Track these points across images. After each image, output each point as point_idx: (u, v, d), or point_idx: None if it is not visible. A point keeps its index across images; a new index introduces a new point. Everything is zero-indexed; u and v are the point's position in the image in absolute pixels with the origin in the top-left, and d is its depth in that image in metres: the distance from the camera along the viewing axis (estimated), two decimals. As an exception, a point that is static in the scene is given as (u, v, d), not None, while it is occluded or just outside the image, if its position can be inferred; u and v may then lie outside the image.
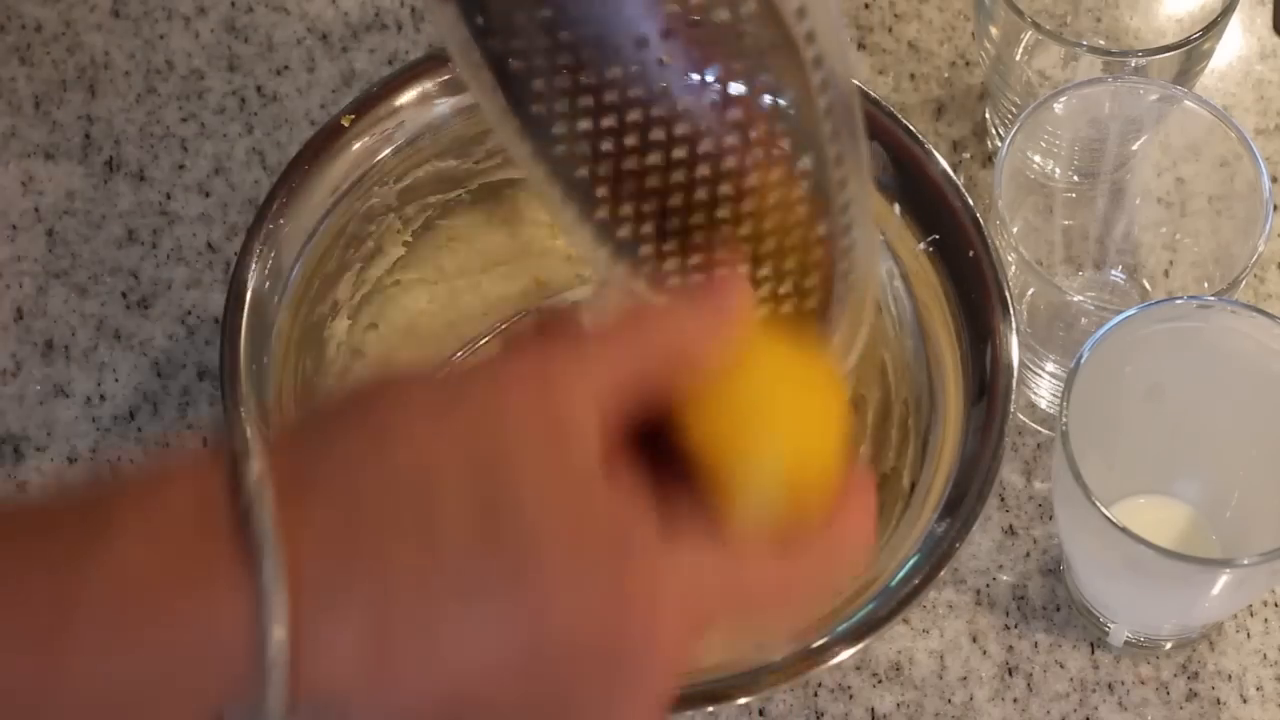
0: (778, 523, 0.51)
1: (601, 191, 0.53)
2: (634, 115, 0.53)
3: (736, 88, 0.54)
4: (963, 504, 0.68)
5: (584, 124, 0.53)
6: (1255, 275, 0.84)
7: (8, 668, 0.42)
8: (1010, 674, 0.76)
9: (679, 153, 0.53)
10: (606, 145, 0.53)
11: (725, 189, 0.53)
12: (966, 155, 0.86)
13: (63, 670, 0.42)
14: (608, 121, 0.53)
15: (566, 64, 0.53)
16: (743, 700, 0.67)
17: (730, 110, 0.53)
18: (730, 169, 0.53)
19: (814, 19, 0.52)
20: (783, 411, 0.51)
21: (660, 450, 0.50)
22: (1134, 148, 0.80)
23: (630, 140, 0.53)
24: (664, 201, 0.54)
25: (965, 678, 0.76)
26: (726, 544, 0.48)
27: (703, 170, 0.53)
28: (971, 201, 0.73)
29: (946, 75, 0.88)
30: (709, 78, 0.53)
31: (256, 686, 0.43)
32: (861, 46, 0.88)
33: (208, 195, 0.85)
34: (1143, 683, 0.76)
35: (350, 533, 0.44)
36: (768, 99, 0.53)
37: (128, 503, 0.44)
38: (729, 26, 0.52)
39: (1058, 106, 0.76)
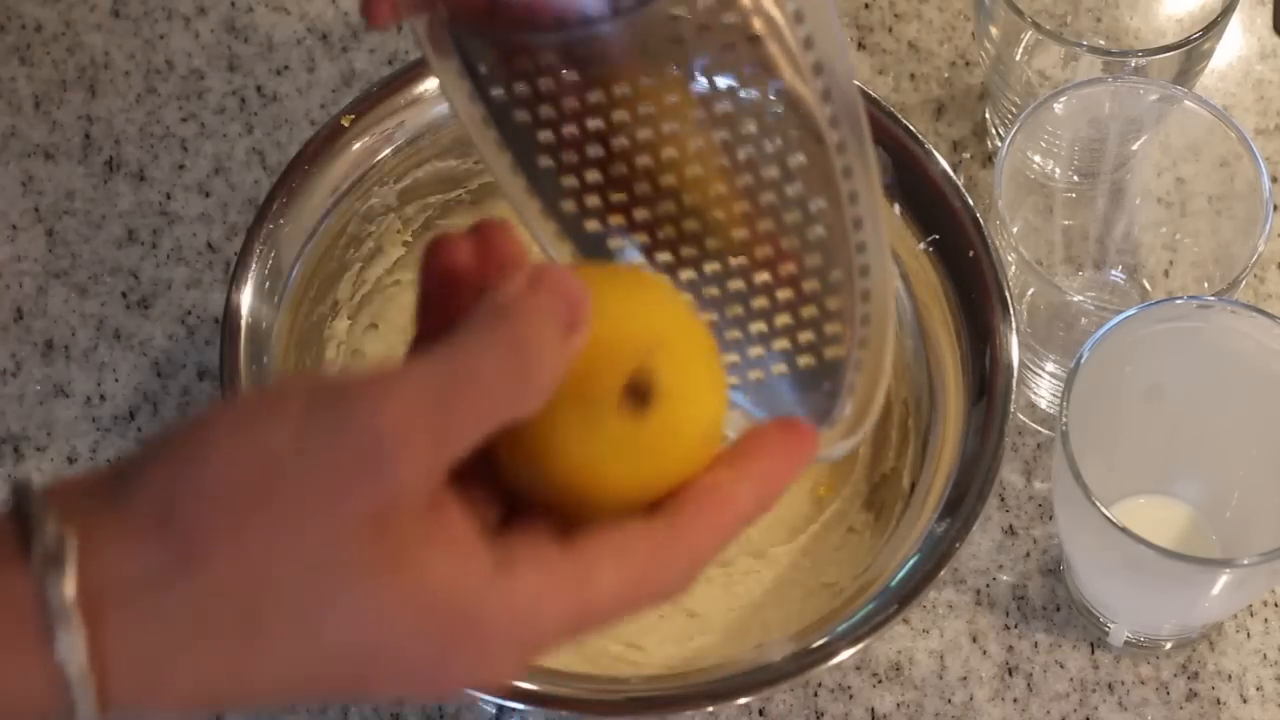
0: (628, 500, 0.48)
1: (612, 228, 0.53)
2: (644, 160, 0.53)
3: (747, 129, 0.54)
4: (963, 504, 0.69)
5: (576, 155, 0.53)
6: (1255, 275, 0.84)
7: None
8: (1010, 674, 0.76)
9: (694, 198, 0.53)
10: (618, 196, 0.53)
11: (740, 235, 0.53)
12: (966, 155, 0.86)
13: None
14: (593, 150, 0.53)
15: (547, 75, 0.53)
16: (743, 700, 0.68)
17: (740, 169, 0.53)
18: (744, 214, 0.53)
19: (812, 25, 0.52)
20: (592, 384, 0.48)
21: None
22: (1134, 148, 0.80)
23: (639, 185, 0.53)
24: (681, 247, 0.54)
25: (965, 678, 0.76)
26: (570, 557, 0.47)
27: (716, 215, 0.53)
28: (971, 201, 0.73)
29: (946, 75, 0.88)
30: (707, 92, 0.53)
31: None
32: (861, 46, 0.88)
33: (208, 195, 0.85)
34: (1143, 683, 0.76)
35: (160, 632, 0.44)
36: (777, 143, 0.53)
37: None
38: (725, 38, 0.52)
39: (1058, 106, 0.76)
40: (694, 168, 0.55)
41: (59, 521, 0.43)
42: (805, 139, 0.54)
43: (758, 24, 0.53)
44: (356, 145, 0.75)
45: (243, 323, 0.71)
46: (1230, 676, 0.76)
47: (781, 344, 0.55)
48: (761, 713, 0.76)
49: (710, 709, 0.68)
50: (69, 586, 0.43)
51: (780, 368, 0.56)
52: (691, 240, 0.56)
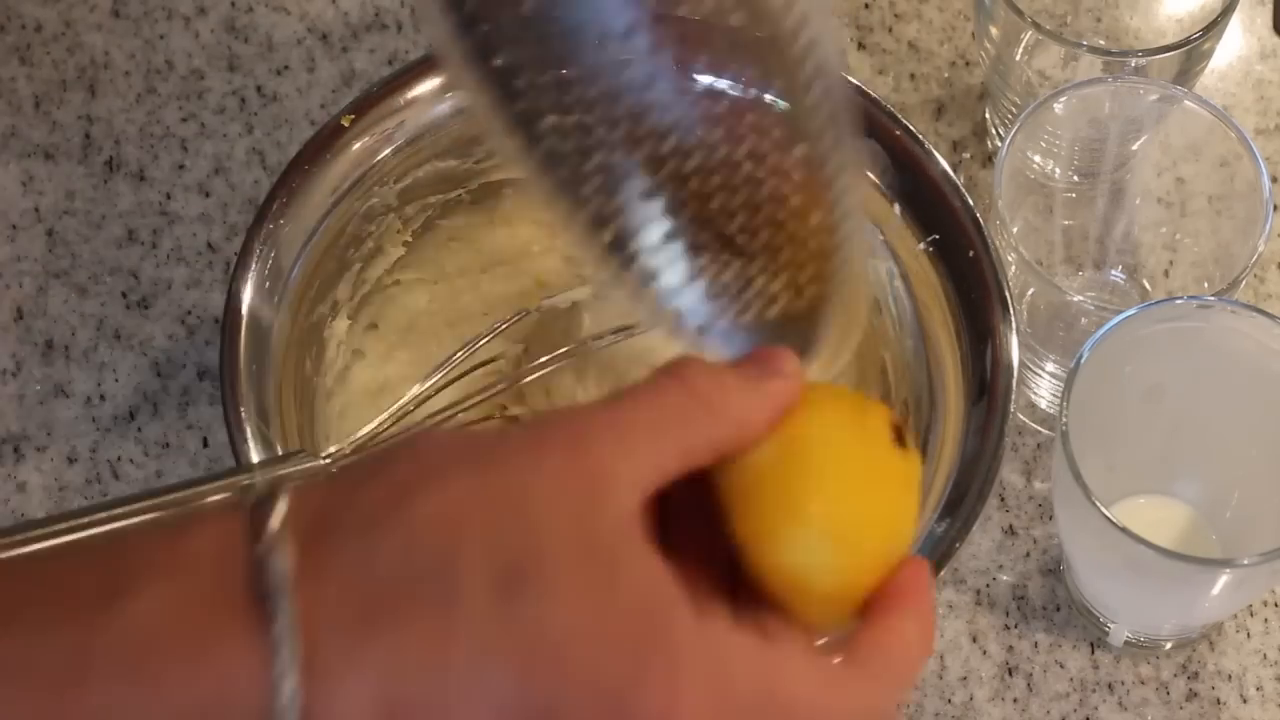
0: (824, 621, 0.48)
1: (591, 186, 0.53)
2: (621, 108, 0.53)
3: (724, 80, 0.53)
4: (963, 504, 0.68)
5: (572, 118, 0.53)
6: (1255, 275, 0.84)
7: (21, 717, 0.42)
8: (1010, 674, 0.76)
9: (669, 145, 0.53)
10: (595, 138, 0.53)
11: (716, 182, 0.53)
12: (966, 155, 0.86)
13: None
14: (596, 114, 0.52)
15: (552, 55, 0.52)
16: (743, 700, 0.67)
17: (720, 103, 0.53)
18: (722, 161, 0.53)
19: (802, 10, 0.51)
20: (835, 494, 0.48)
21: (694, 530, 0.49)
22: (1134, 148, 0.80)
23: (618, 134, 0.53)
24: (656, 195, 0.53)
25: (965, 678, 0.76)
26: (765, 634, 0.46)
27: (691, 163, 0.53)
28: (971, 201, 0.73)
29: (946, 75, 0.88)
30: (697, 71, 0.53)
31: None
32: (861, 46, 0.88)
33: (208, 195, 0.85)
34: (1143, 683, 0.76)
35: (367, 591, 0.43)
36: (753, 91, 0.53)
37: (147, 555, 0.44)
38: (713, 19, 0.52)
39: (1058, 106, 0.76)
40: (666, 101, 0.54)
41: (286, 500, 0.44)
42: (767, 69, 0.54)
43: None
44: (356, 145, 0.75)
45: (243, 323, 0.71)
46: (1230, 676, 0.76)
47: (762, 284, 0.55)
48: None
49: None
50: (279, 519, 0.43)
51: (761, 308, 0.56)
52: (673, 183, 0.55)
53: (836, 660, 0.47)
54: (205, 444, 0.80)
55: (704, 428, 0.47)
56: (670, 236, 0.54)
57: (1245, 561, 0.67)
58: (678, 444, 0.46)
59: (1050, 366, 0.78)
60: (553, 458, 0.45)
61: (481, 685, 0.43)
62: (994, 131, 0.86)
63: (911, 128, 0.74)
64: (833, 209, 0.54)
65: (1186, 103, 0.76)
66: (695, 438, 0.47)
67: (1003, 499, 0.79)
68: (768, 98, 0.53)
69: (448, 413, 0.73)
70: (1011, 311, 0.72)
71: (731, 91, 0.53)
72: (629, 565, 0.44)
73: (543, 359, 0.75)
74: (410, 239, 0.77)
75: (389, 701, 0.43)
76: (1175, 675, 0.76)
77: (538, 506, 0.44)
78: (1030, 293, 0.77)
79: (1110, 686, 0.76)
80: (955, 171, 0.74)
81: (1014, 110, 0.82)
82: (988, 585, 0.78)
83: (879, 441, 0.49)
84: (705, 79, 0.53)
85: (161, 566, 0.43)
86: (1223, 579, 0.68)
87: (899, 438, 0.49)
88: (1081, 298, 0.74)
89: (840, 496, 0.47)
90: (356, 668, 0.43)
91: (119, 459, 0.80)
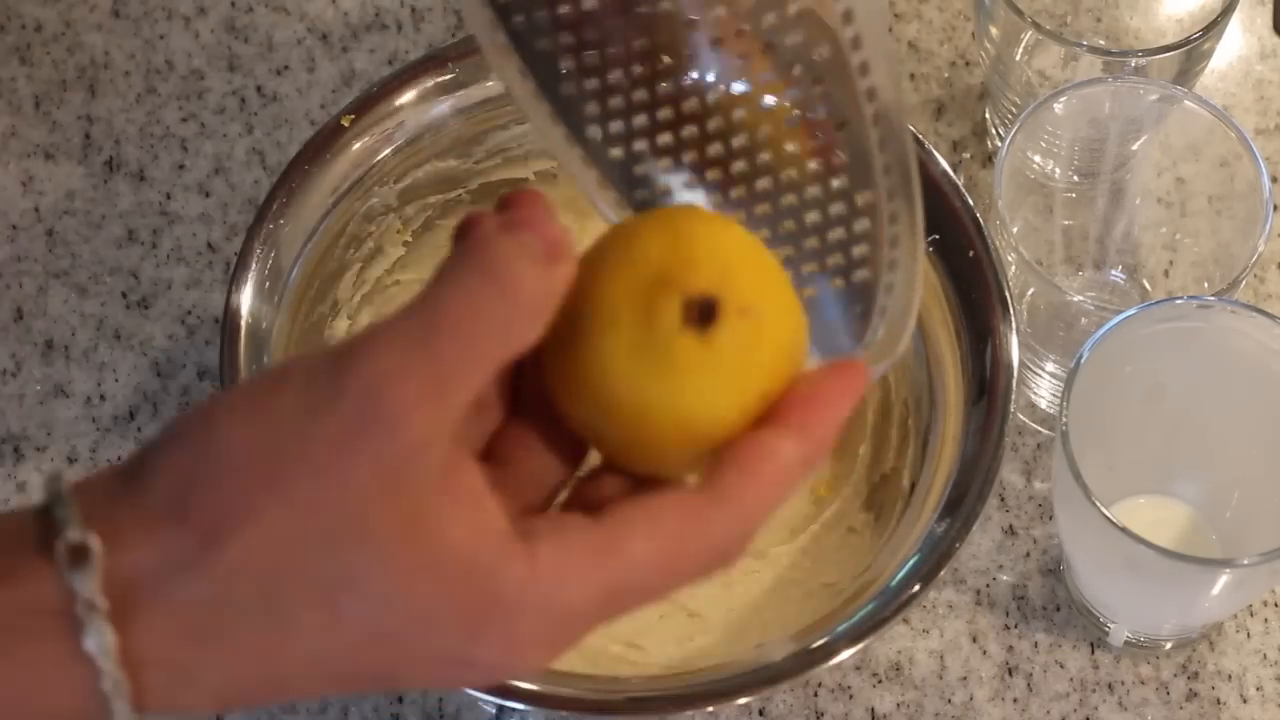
0: (676, 464, 0.46)
1: (637, 174, 0.52)
2: (661, 98, 0.52)
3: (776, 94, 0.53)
4: (963, 504, 0.68)
5: (616, 104, 0.52)
6: (1255, 275, 0.84)
7: None
8: (1010, 674, 0.76)
9: (715, 148, 0.52)
10: (636, 126, 0.52)
11: (765, 158, 0.52)
12: (966, 155, 0.86)
13: None
14: (637, 109, 0.52)
15: (592, 42, 0.52)
16: (743, 700, 0.67)
17: (771, 115, 0.52)
18: (769, 137, 0.53)
19: (864, 37, 0.51)
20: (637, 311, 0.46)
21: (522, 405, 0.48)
22: (1134, 148, 0.80)
23: (659, 120, 0.52)
24: (700, 188, 0.53)
25: (965, 678, 0.76)
26: (596, 526, 0.45)
27: (741, 165, 0.53)
28: (971, 201, 0.73)
29: (946, 75, 0.88)
30: (747, 79, 0.53)
31: None
32: (861, 46, 0.88)
33: (208, 195, 0.85)
34: (1143, 683, 0.76)
35: (194, 623, 0.43)
36: (807, 75, 0.53)
37: None
38: (769, 36, 0.52)
39: (1058, 106, 0.76)
40: (720, 90, 0.54)
41: (81, 519, 0.43)
42: (828, 66, 0.53)
43: None
44: (356, 145, 0.75)
45: (243, 323, 0.71)
46: (1230, 676, 0.76)
47: (810, 267, 0.54)
48: (761, 713, 0.76)
49: (710, 709, 0.68)
50: (94, 584, 0.43)
51: (810, 291, 0.55)
52: (719, 165, 0.54)
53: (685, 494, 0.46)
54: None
55: (504, 326, 0.45)
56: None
57: (1245, 561, 0.67)
58: (480, 362, 0.45)
59: (1050, 366, 0.78)
60: (341, 425, 0.43)
61: (323, 690, 0.44)
62: (994, 131, 0.86)
63: (911, 128, 0.74)
64: (880, 188, 0.53)
65: (1186, 103, 0.76)
66: (497, 346, 0.45)
67: (1003, 499, 0.79)
68: (816, 74, 0.52)
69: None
70: (1011, 311, 0.72)
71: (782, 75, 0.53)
72: (447, 529, 0.44)
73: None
74: (410, 239, 0.77)
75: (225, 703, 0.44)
76: (1175, 675, 0.76)
77: (342, 497, 0.43)
78: (1030, 293, 0.77)
79: (1110, 686, 0.76)
80: (955, 171, 0.74)
81: (1014, 110, 0.82)
82: (988, 585, 0.78)
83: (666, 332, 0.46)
84: (761, 94, 0.53)
85: None
86: (1223, 579, 0.68)
87: (699, 317, 0.46)
88: (1081, 298, 0.74)
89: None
90: (193, 683, 0.44)
91: (119, 459, 0.80)
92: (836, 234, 0.54)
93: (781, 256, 0.53)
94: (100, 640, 0.43)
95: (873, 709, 0.75)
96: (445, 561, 0.44)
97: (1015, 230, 0.76)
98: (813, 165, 0.53)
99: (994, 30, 0.80)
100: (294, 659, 0.44)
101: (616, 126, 0.53)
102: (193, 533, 0.43)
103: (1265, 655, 0.77)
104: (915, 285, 0.54)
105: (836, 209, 0.54)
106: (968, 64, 0.88)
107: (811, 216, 0.54)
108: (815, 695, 0.75)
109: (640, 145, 0.53)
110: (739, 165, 0.53)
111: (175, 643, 0.43)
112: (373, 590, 0.43)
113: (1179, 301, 0.72)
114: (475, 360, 0.44)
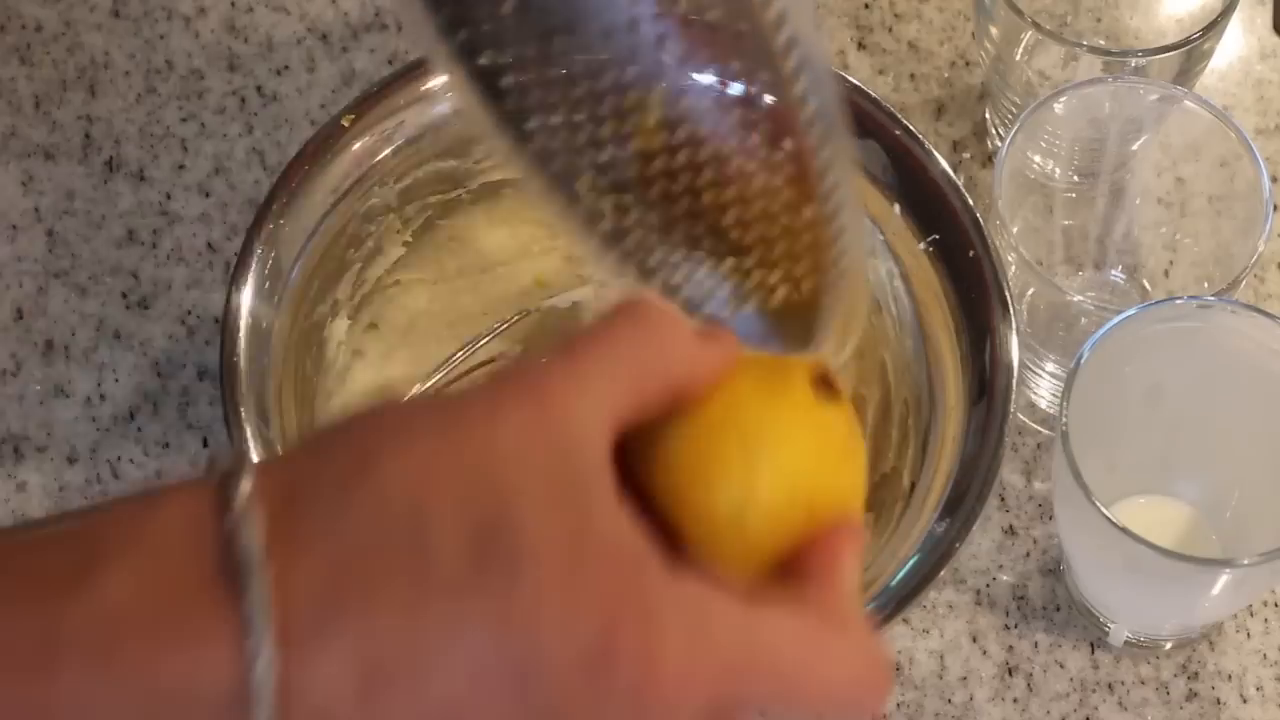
0: (742, 573, 0.47)
1: (584, 184, 0.53)
2: (607, 106, 0.53)
3: (709, 75, 0.53)
4: (963, 504, 0.69)
5: (560, 116, 0.52)
6: (1255, 275, 0.84)
7: None
8: (1010, 674, 0.76)
9: (658, 141, 0.52)
10: (584, 136, 0.53)
11: (708, 176, 0.53)
12: (966, 155, 0.86)
13: (47, 708, 0.42)
14: (583, 113, 0.52)
15: (537, 55, 0.52)
16: (743, 700, 0.67)
17: (708, 99, 0.53)
18: (711, 156, 0.53)
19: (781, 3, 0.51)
20: (778, 446, 0.48)
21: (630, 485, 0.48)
22: (1134, 148, 0.80)
23: (606, 130, 0.53)
24: (647, 191, 0.53)
25: (965, 678, 0.76)
26: (733, 590, 0.45)
27: (682, 158, 0.53)
28: (971, 201, 0.73)
29: (946, 75, 0.88)
30: (685, 68, 0.53)
31: (244, 717, 0.42)
32: (861, 46, 0.88)
33: (208, 195, 0.85)
34: (1143, 683, 0.76)
35: (339, 559, 0.43)
36: (740, 85, 0.53)
37: (115, 533, 0.43)
38: (692, 14, 0.52)
39: (1058, 106, 0.76)
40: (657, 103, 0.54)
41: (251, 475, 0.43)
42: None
43: None
44: (356, 145, 0.75)
45: (243, 323, 0.71)
46: (1230, 676, 0.76)
47: (760, 277, 0.55)
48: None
49: (710, 709, 0.68)
50: (245, 490, 0.43)
51: (760, 300, 0.56)
52: (658, 181, 0.55)
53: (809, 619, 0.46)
54: (205, 444, 0.80)
55: (657, 365, 0.46)
56: (665, 231, 0.54)
57: (1245, 561, 0.67)
58: (633, 383, 0.45)
59: (1050, 366, 0.78)
60: (516, 411, 0.44)
61: (457, 648, 0.42)
62: (994, 131, 0.86)
63: (911, 128, 0.74)
64: (826, 202, 0.53)
65: (1186, 103, 0.76)
66: (649, 377, 0.46)
67: (1003, 499, 0.79)
68: (755, 92, 0.53)
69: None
70: (1011, 311, 0.72)
71: (719, 88, 0.53)
72: (600, 518, 0.43)
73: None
74: (410, 239, 0.77)
75: (365, 669, 0.42)
76: (1175, 675, 0.76)
77: (505, 463, 0.43)
78: (1030, 293, 0.77)
79: (1110, 686, 0.76)
80: (955, 171, 0.74)
81: (1014, 110, 0.82)
82: (988, 585, 0.78)
83: (799, 396, 0.48)
84: (695, 76, 0.53)
85: (129, 544, 0.43)
86: (1223, 579, 0.68)
87: (825, 388, 0.49)
88: (1081, 298, 0.74)
89: (763, 449, 0.47)
90: (331, 637, 0.42)
91: (119, 459, 0.80)
92: (782, 247, 0.55)
93: (732, 267, 0.54)
94: (250, 549, 0.42)
95: (873, 709, 0.75)
96: (593, 543, 0.43)
97: (1015, 230, 0.76)
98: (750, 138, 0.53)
99: (994, 30, 0.80)
100: (433, 613, 0.42)
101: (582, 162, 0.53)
102: (355, 455, 0.43)
103: (1265, 655, 0.77)
104: (863, 290, 0.55)
105: (784, 221, 0.54)
106: (968, 64, 0.88)
107: (759, 229, 0.54)
108: (815, 695, 0.75)
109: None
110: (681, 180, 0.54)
111: (319, 573, 0.42)
112: (518, 549, 0.42)
113: (1179, 301, 0.72)
114: (642, 392, 0.46)
